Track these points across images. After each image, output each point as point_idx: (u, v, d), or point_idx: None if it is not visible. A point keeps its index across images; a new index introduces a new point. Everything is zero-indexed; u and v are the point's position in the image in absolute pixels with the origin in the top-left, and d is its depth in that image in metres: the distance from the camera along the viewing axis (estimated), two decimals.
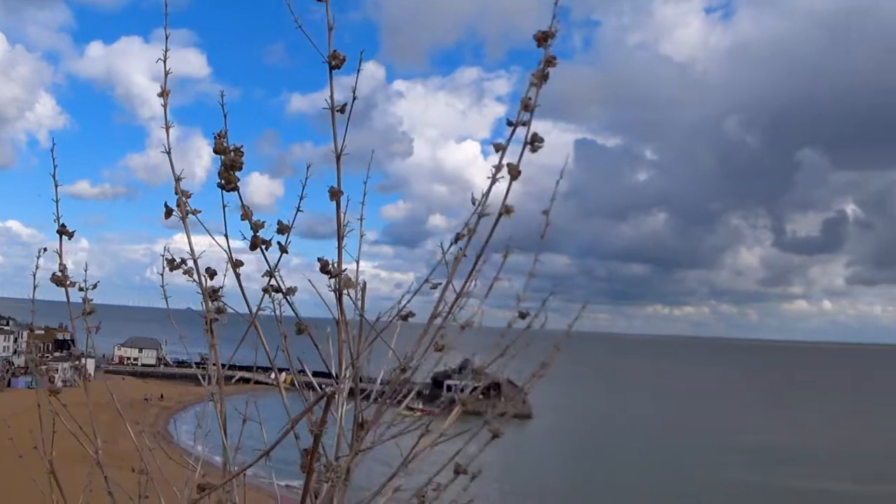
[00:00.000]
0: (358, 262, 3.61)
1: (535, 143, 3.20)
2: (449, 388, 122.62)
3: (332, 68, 3.07)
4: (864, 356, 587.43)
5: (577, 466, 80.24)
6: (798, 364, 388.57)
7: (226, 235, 3.20)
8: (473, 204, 3.17)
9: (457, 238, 3.21)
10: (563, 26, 3.01)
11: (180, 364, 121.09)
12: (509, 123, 3.03)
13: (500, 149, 3.06)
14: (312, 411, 2.45)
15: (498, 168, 3.00)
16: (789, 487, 70.49)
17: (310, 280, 3.26)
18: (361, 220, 3.55)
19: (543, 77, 3.23)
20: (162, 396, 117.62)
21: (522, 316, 3.67)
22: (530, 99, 3.18)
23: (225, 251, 3.20)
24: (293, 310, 3.19)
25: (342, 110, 3.10)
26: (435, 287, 3.33)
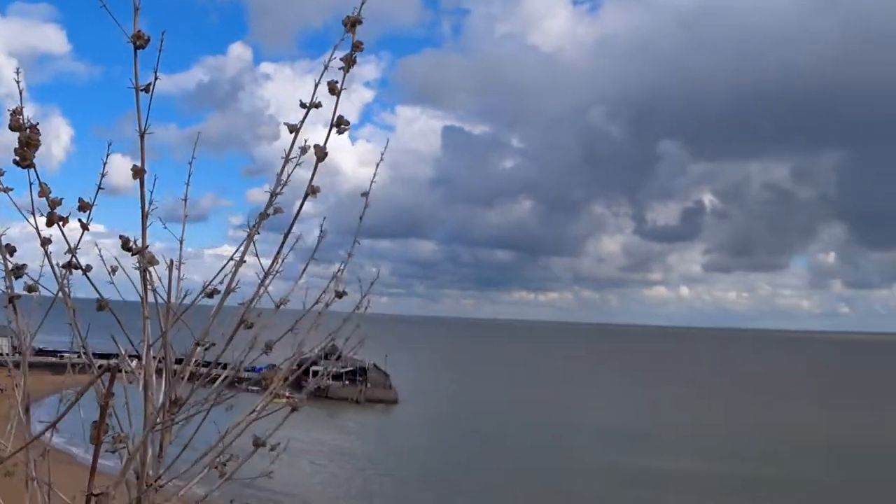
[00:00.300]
0: (182, 242, 3.64)
1: (340, 125, 3.29)
2: (315, 374, 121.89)
3: (136, 48, 3.11)
4: (719, 341, 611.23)
5: (443, 451, 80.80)
6: (656, 348, 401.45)
7: (33, 213, 3.18)
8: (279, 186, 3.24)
9: (261, 217, 3.28)
10: (434, 14, 3.11)
11: (39, 353, 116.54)
12: (302, 105, 3.10)
13: (293, 130, 3.13)
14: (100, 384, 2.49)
15: (290, 148, 3.07)
16: (643, 467, 72.56)
17: (116, 258, 3.27)
18: (185, 200, 3.57)
19: (351, 62, 3.32)
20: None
21: (339, 295, 3.76)
22: (336, 82, 3.27)
23: (34, 228, 3.19)
24: (94, 287, 3.20)
25: (147, 90, 3.13)
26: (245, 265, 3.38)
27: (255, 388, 4.15)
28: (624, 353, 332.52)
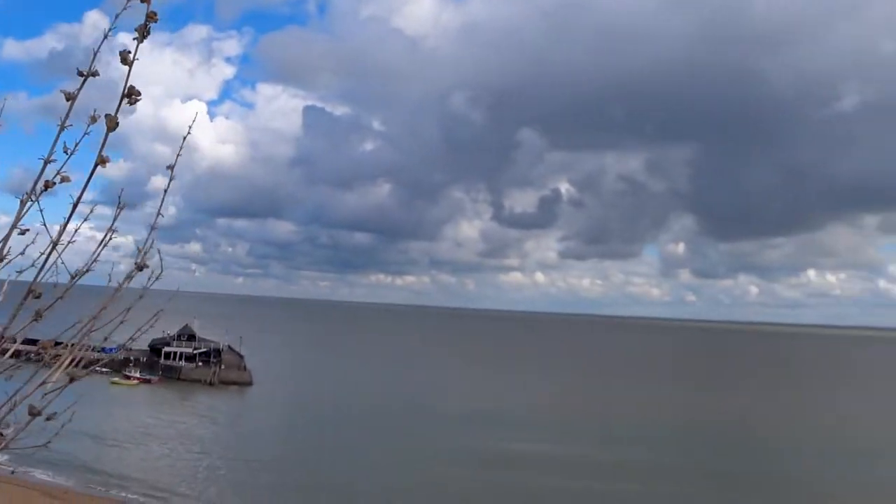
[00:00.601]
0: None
1: (132, 96, 3.26)
2: (168, 356, 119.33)
3: None
4: (573, 326, 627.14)
5: (293, 434, 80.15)
6: (512, 333, 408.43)
7: None
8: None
9: (46, 186, 3.22)
10: None
11: None
12: (80, 74, 3.06)
13: (70, 98, 3.09)
14: None
15: (66, 116, 3.03)
16: (497, 450, 73.70)
17: None
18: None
19: (145, 32, 3.29)
20: None
21: (140, 268, 3.71)
22: (129, 52, 3.24)
23: None
24: None
25: None
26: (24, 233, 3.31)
27: (105, 368, 4.06)
28: (480, 337, 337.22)
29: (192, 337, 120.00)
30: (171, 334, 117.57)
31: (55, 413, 3.31)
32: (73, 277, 3.72)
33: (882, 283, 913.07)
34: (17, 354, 3.52)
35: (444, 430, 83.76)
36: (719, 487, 62.20)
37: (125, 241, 3.99)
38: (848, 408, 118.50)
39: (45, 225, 3.35)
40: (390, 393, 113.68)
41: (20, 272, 3.50)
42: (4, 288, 3.59)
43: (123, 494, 54.49)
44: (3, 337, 3.47)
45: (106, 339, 3.72)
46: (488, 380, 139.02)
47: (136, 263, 3.78)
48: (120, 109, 3.27)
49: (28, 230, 3.33)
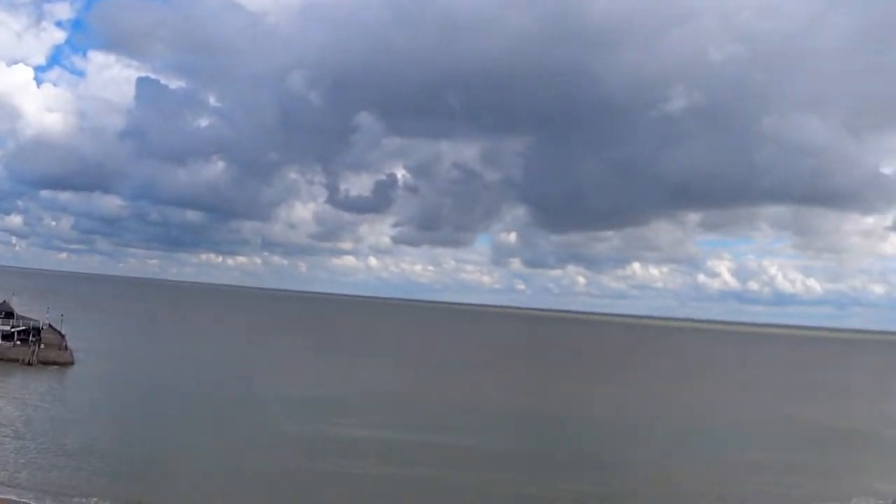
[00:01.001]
0: None
1: None
2: None
3: None
4: (404, 311, 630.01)
5: (116, 417, 76.70)
6: (344, 316, 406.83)
7: None
8: None
9: None
10: None
11: None
12: None
13: None
14: None
15: None
16: (326, 436, 72.71)
17: None
18: None
19: None
20: None
21: None
22: None
23: None
24: None
25: None
26: None
27: None
28: (311, 320, 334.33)
29: (9, 314, 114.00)
30: None
31: None
32: None
33: (701, 278, 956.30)
34: None
35: (272, 414, 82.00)
36: (548, 471, 63.28)
37: None
38: (669, 393, 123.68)
39: None
40: (217, 376, 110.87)
41: None
42: None
43: None
44: None
45: None
46: (319, 363, 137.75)
47: None
48: None
49: None
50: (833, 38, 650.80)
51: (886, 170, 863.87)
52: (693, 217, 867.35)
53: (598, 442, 78.01)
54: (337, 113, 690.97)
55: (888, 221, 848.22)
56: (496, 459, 67.40)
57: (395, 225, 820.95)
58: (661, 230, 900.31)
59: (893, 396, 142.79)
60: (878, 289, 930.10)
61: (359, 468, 61.15)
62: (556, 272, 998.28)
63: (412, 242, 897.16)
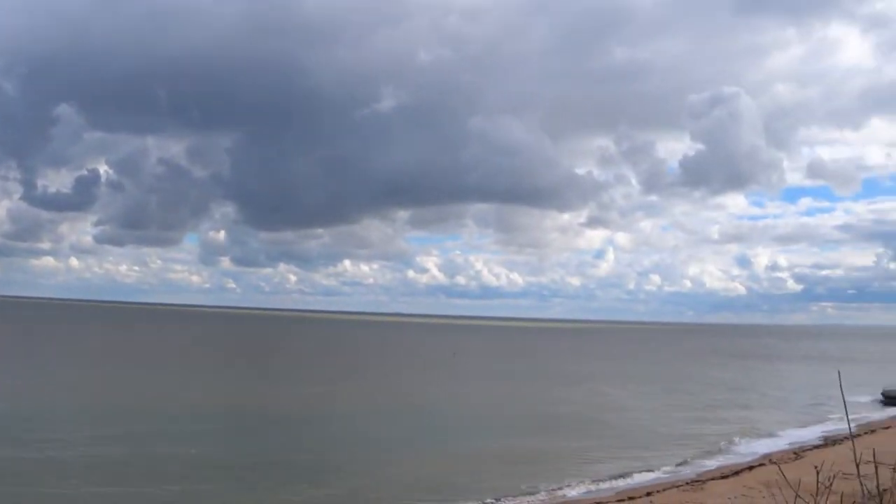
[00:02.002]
0: None
1: None
2: None
3: None
4: (109, 313, 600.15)
5: None
6: (39, 320, 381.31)
7: None
8: None
9: None
10: None
11: None
12: None
13: None
14: None
15: None
16: (38, 458, 66.08)
17: None
18: None
19: None
20: None
21: None
22: None
23: None
24: None
25: None
26: None
27: None
28: (7, 325, 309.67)
29: None
30: None
31: None
32: None
33: (410, 273, 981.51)
34: None
35: None
36: (266, 477, 60.76)
37: None
38: (386, 387, 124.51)
39: None
40: None
41: None
42: None
43: None
44: None
45: None
46: (12, 372, 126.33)
47: None
48: None
49: None
50: (534, 43, 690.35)
51: (580, 170, 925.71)
52: (402, 214, 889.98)
53: (319, 442, 76.11)
54: (34, 104, 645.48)
55: (582, 218, 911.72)
56: (213, 469, 63.55)
57: (98, 223, 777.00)
58: (372, 228, 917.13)
59: (588, 379, 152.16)
60: (575, 281, 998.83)
61: (50, 490, 55.20)
62: (268, 270, 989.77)
63: (117, 242, 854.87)
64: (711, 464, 69.85)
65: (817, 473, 8.82)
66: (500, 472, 64.21)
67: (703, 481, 61.48)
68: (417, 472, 63.83)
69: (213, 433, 78.94)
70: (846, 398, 15.61)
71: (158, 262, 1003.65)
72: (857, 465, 7.63)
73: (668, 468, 67.81)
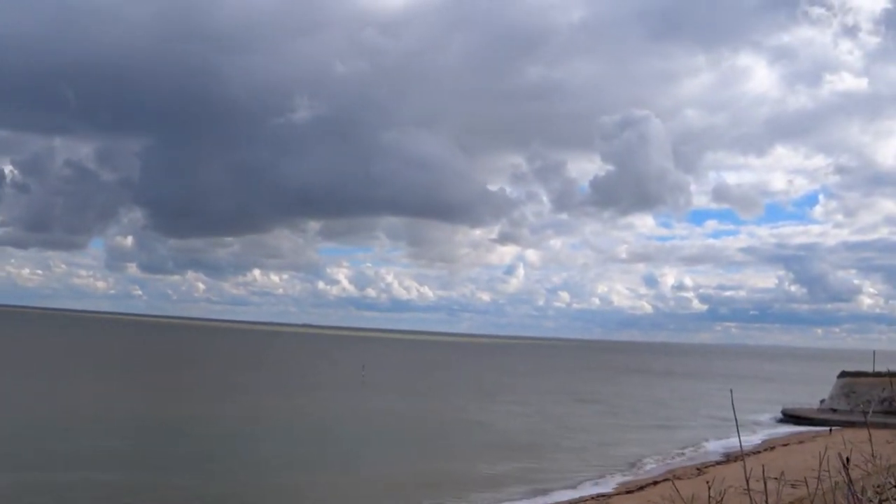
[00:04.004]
0: None
1: None
2: None
3: None
4: (8, 318, 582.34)
5: None
6: None
7: None
8: None
9: None
10: None
11: None
12: None
13: None
14: None
15: None
16: None
17: None
18: None
19: None
20: None
21: None
22: None
23: None
24: None
25: None
26: None
27: None
28: None
29: None
30: None
31: None
32: None
33: (321, 284, 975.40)
34: None
35: None
36: (175, 490, 59.17)
37: None
38: (287, 399, 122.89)
39: None
40: None
41: None
42: None
43: None
44: None
45: None
46: None
47: None
48: None
49: None
50: (450, 59, 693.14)
51: (493, 187, 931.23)
52: (314, 225, 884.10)
53: (220, 463, 73.51)
54: None
55: (494, 234, 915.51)
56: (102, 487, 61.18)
57: (1, 225, 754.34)
58: (283, 237, 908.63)
59: (497, 393, 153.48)
60: (485, 296, 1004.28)
61: None
62: (175, 278, 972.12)
63: (19, 244, 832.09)
64: (618, 480, 70.81)
65: (709, 488, 9.31)
66: (403, 497, 63.47)
67: (609, 496, 62.34)
68: (323, 497, 62.85)
69: (114, 453, 75.77)
70: (750, 415, 15.73)
71: (63, 266, 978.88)
72: (748, 480, 8.02)
73: (576, 484, 68.61)
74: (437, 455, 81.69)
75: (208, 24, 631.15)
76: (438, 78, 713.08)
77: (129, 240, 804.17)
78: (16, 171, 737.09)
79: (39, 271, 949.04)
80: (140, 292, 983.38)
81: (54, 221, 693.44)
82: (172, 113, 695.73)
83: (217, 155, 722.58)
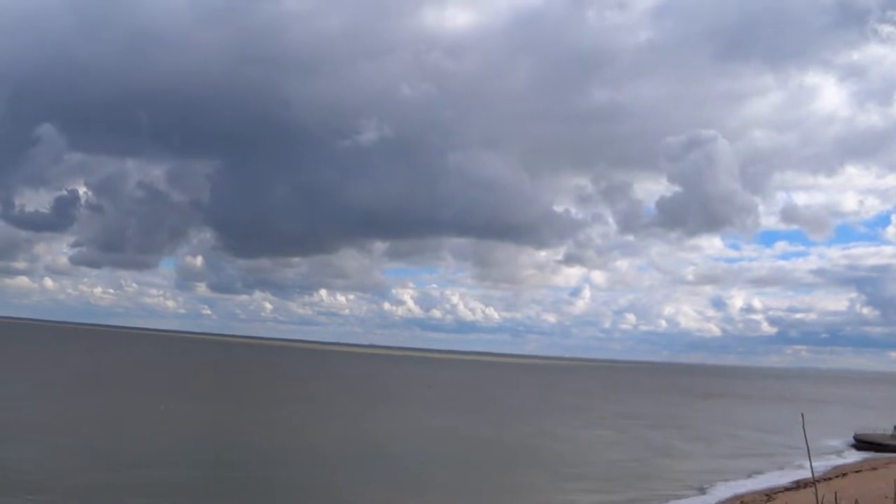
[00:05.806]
0: None
1: None
2: None
3: None
4: (82, 335, 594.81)
5: None
6: (9, 340, 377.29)
7: None
8: None
9: None
10: None
11: None
12: None
13: None
14: None
15: None
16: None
17: None
18: None
19: None
20: None
21: None
22: None
23: None
24: None
25: None
26: None
27: None
28: None
29: None
30: None
31: None
32: None
33: (386, 305, 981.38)
34: None
35: None
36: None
37: None
38: (358, 417, 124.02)
39: None
40: None
41: None
42: None
43: None
44: None
45: None
46: None
47: None
48: None
49: None
50: (516, 81, 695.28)
51: (558, 208, 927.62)
52: (380, 246, 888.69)
53: (292, 469, 75.54)
54: (15, 124, 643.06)
55: (559, 256, 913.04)
56: (178, 492, 62.76)
57: (75, 245, 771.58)
58: (349, 258, 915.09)
59: (560, 413, 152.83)
60: (551, 318, 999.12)
61: None
62: (243, 297, 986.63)
63: (93, 263, 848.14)
64: None
65: None
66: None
67: None
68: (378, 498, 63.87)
69: (184, 457, 78.14)
70: (821, 441, 16.15)
71: (134, 285, 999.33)
72: None
73: None
74: (502, 470, 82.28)
75: (276, 49, 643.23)
76: (504, 100, 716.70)
77: (199, 260, 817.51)
78: (90, 193, 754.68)
79: (111, 290, 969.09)
80: (209, 311, 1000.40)
81: (126, 242, 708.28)
82: (241, 135, 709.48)
83: (285, 176, 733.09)
